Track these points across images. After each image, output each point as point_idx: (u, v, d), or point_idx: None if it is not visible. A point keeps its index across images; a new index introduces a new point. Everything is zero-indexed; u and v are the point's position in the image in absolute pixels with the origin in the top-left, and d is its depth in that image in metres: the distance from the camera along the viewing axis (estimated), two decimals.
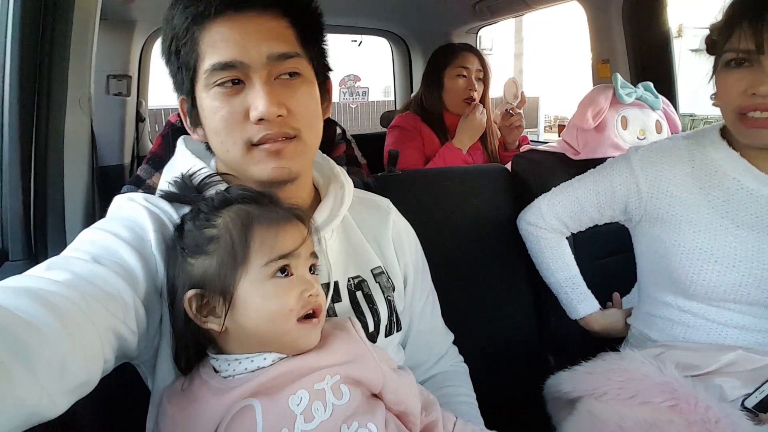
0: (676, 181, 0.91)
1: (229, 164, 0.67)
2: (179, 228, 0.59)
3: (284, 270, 0.57)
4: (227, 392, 0.54)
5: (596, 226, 1.08)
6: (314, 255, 0.61)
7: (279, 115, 0.62)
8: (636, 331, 1.04)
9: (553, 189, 1.10)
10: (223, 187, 0.65)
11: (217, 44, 0.61)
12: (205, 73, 0.62)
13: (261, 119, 0.61)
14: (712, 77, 0.86)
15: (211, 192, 0.63)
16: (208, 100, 0.63)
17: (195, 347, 0.59)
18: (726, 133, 0.90)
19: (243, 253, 0.55)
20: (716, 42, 0.84)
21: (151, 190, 1.37)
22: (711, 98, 0.89)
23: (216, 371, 0.58)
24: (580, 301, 1.10)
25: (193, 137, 0.71)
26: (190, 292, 0.55)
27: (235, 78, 0.62)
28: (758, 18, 0.76)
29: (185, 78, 0.65)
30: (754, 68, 0.78)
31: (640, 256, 1.03)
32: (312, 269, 0.61)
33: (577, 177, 1.07)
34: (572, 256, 1.11)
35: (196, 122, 0.68)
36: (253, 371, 0.56)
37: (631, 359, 0.86)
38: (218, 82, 0.62)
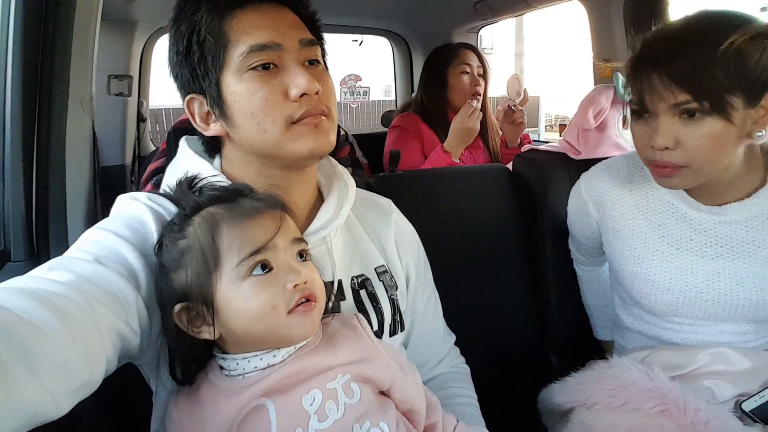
0: (617, 204, 0.95)
1: (264, 146, 0.66)
2: (159, 244, 0.59)
3: (264, 266, 0.55)
4: (239, 392, 0.54)
5: None
6: (299, 240, 0.59)
7: (316, 92, 0.64)
8: (618, 345, 1.07)
9: None
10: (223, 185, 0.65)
11: (249, 30, 0.63)
12: (240, 56, 0.63)
13: (303, 95, 0.63)
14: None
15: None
16: (243, 84, 0.64)
17: (196, 360, 0.59)
18: None
19: (213, 258, 0.54)
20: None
21: None
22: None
23: (223, 370, 0.57)
24: (603, 327, 1.16)
25: (205, 133, 0.70)
26: (177, 307, 0.55)
27: (268, 62, 0.64)
28: (636, 77, 0.78)
29: (211, 68, 0.65)
30: (650, 121, 0.80)
31: (611, 281, 1.08)
32: (302, 255, 0.59)
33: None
34: (607, 288, 1.13)
35: (221, 114, 0.67)
36: (264, 369, 0.56)
37: (620, 366, 0.86)
38: (253, 65, 0.63)
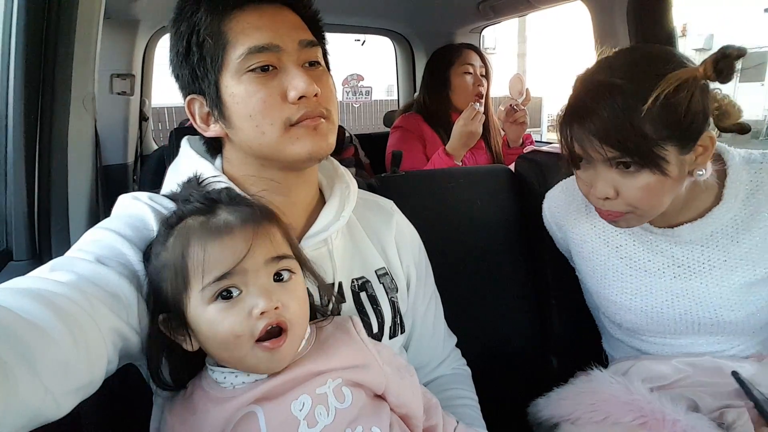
0: (576, 227, 0.95)
1: (261, 148, 0.65)
2: (147, 254, 0.58)
3: (230, 291, 0.51)
4: (228, 401, 0.54)
5: None
6: (278, 258, 0.55)
7: (315, 94, 0.64)
8: (609, 354, 1.07)
9: None
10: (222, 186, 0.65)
11: (248, 31, 0.63)
12: (238, 58, 0.63)
13: (302, 97, 0.63)
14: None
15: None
16: (241, 86, 0.63)
17: (187, 368, 0.59)
18: None
19: (183, 278, 0.52)
20: None
21: None
22: None
23: (215, 380, 0.57)
24: None
25: (205, 134, 0.70)
26: (161, 317, 0.55)
27: (267, 64, 0.63)
28: (565, 133, 0.77)
29: (209, 69, 0.64)
30: (588, 169, 0.79)
31: None
32: (280, 275, 0.55)
33: None
34: None
35: (220, 115, 0.66)
36: (252, 382, 0.55)
37: (600, 380, 0.85)
38: (252, 67, 0.63)
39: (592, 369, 0.89)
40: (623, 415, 0.79)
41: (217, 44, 0.63)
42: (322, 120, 0.66)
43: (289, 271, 0.56)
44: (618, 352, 1.02)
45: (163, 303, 0.55)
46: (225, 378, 0.56)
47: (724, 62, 0.67)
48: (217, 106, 0.65)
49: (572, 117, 0.75)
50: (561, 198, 0.99)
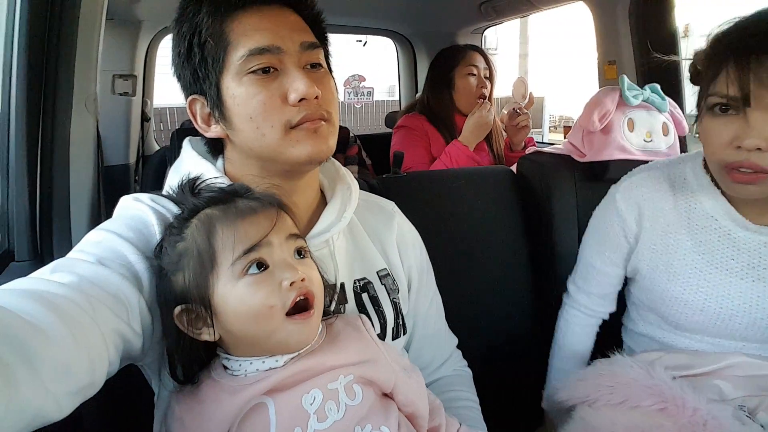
0: (660, 216, 0.89)
1: (262, 150, 0.65)
2: (159, 247, 0.58)
3: (260, 264, 0.54)
4: (240, 391, 0.54)
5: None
6: (296, 236, 0.58)
7: (316, 97, 0.64)
8: (628, 348, 1.04)
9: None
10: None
11: (249, 32, 0.63)
12: (239, 59, 0.63)
13: (302, 99, 0.63)
14: (696, 119, 0.80)
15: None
16: (242, 87, 0.63)
17: (197, 361, 0.59)
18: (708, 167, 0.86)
19: (210, 259, 0.54)
20: (701, 77, 0.78)
21: None
22: (695, 136, 0.84)
23: (226, 369, 0.57)
24: (557, 389, 0.97)
25: (206, 135, 0.70)
26: (177, 309, 0.55)
27: (268, 66, 0.63)
28: (744, 64, 0.68)
29: (211, 70, 0.64)
30: (740, 117, 0.71)
31: (629, 288, 1.01)
32: (300, 253, 0.59)
33: (581, 244, 1.04)
34: (586, 348, 1.06)
35: (220, 116, 0.66)
36: (266, 371, 0.56)
37: (621, 364, 0.84)
38: (252, 68, 0.63)
39: (614, 353, 0.88)
40: (642, 399, 0.78)
41: (219, 45, 0.63)
42: (323, 123, 0.65)
43: (305, 249, 0.60)
44: (641, 346, 0.98)
45: (180, 294, 0.55)
46: (240, 366, 0.56)
47: None
48: (218, 107, 0.65)
49: (760, 48, 0.68)
50: (646, 185, 0.91)
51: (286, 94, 0.63)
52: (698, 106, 0.79)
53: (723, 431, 0.72)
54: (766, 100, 0.68)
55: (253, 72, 0.63)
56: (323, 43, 0.71)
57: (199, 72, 0.65)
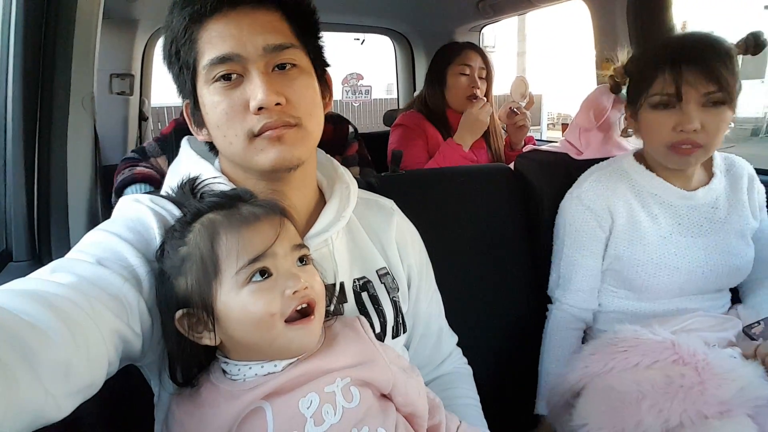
0: (625, 202, 1.06)
1: (233, 158, 0.67)
2: (161, 250, 0.58)
3: (263, 272, 0.54)
4: (239, 396, 0.54)
5: None
6: (300, 246, 0.59)
7: (277, 104, 0.62)
8: (598, 331, 1.11)
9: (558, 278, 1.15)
10: (224, 188, 0.65)
11: (214, 40, 0.62)
12: (204, 69, 0.63)
13: (260, 108, 0.61)
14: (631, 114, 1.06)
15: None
16: (209, 96, 0.64)
17: (197, 364, 0.59)
18: (640, 158, 1.09)
19: (213, 266, 0.54)
20: (638, 85, 1.02)
21: (153, 169, 1.37)
22: (621, 132, 1.19)
23: (225, 374, 0.57)
24: (548, 395, 1.05)
25: (198, 138, 0.71)
26: (179, 313, 0.55)
27: (232, 72, 0.62)
28: (677, 68, 0.92)
29: (187, 78, 0.65)
30: (676, 110, 0.94)
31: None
32: (303, 260, 0.59)
33: (556, 251, 1.16)
34: (573, 347, 1.10)
35: (200, 122, 0.68)
36: (264, 376, 0.56)
37: (626, 330, 0.93)
38: (217, 77, 0.63)
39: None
40: (659, 352, 0.86)
41: (190, 54, 0.64)
42: (288, 129, 0.63)
43: (307, 256, 0.60)
44: (605, 325, 1.08)
45: (182, 298, 0.55)
46: (239, 370, 0.56)
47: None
48: (197, 112, 0.67)
49: (683, 59, 0.93)
50: (604, 181, 1.08)
51: (248, 101, 0.62)
52: (634, 105, 1.03)
53: (730, 369, 0.82)
54: (693, 96, 0.92)
55: (217, 80, 0.63)
56: (308, 38, 0.69)
57: (179, 79, 0.67)
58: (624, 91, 1.17)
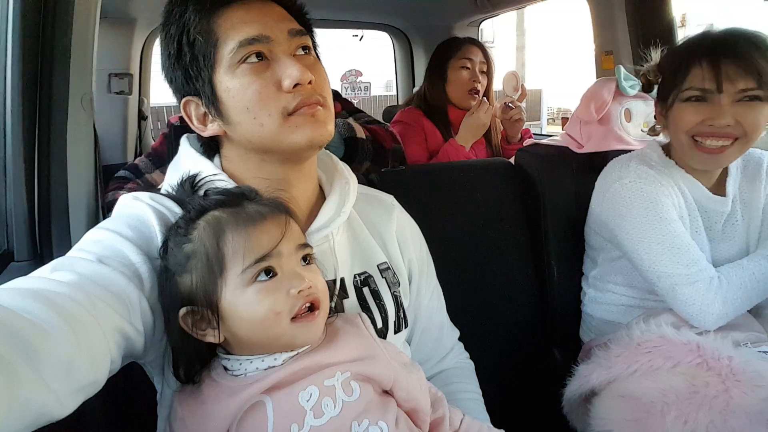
0: (673, 194, 1.00)
1: (262, 141, 0.66)
2: (164, 247, 0.58)
3: (268, 271, 0.55)
4: (240, 391, 0.54)
5: None
6: (304, 245, 0.59)
7: (309, 82, 0.64)
8: (597, 321, 1.10)
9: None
10: (225, 185, 0.65)
11: (237, 25, 0.63)
12: (230, 52, 0.63)
13: (296, 85, 0.63)
14: (663, 110, 0.99)
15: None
16: (236, 79, 0.63)
17: (200, 360, 0.59)
18: (669, 153, 1.04)
19: (219, 264, 0.54)
20: (671, 79, 0.97)
21: (148, 185, 1.37)
22: (649, 131, 1.11)
23: (226, 370, 0.58)
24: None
25: (203, 134, 0.70)
26: (182, 310, 0.55)
27: (260, 52, 0.64)
28: (716, 60, 0.89)
29: (203, 68, 0.64)
30: (710, 104, 0.91)
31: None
32: (306, 259, 0.60)
33: (631, 246, 1.00)
34: None
35: (217, 113, 0.66)
36: (265, 370, 0.56)
37: (644, 330, 0.91)
38: (245, 58, 0.63)
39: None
40: (683, 355, 0.84)
41: (209, 42, 0.64)
42: (319, 107, 0.66)
43: (311, 256, 0.61)
44: (625, 318, 1.05)
45: (186, 295, 0.55)
46: (240, 365, 0.56)
47: None
48: (213, 104, 0.66)
49: (723, 53, 0.89)
50: (644, 169, 1.00)
51: (279, 81, 0.63)
52: (665, 99, 0.98)
53: (760, 371, 0.79)
54: (729, 90, 0.88)
55: (245, 62, 0.63)
56: (310, 33, 0.71)
57: (191, 71, 0.65)
58: (623, 82, 1.17)
